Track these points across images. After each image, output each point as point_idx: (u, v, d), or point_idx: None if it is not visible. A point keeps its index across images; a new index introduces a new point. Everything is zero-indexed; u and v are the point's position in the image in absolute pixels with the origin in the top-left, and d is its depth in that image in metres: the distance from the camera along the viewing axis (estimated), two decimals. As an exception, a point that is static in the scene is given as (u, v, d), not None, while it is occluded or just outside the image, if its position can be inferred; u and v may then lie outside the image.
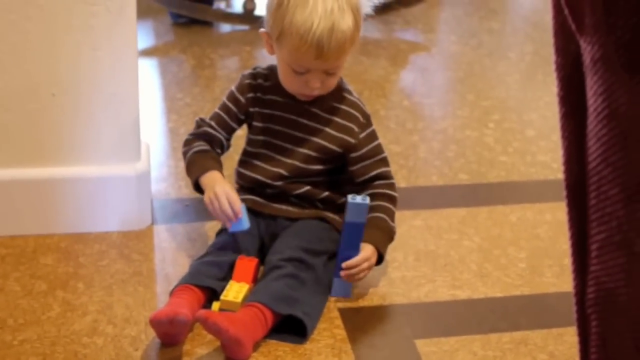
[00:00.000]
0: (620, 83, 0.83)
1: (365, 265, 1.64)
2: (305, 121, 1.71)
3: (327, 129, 1.71)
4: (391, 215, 1.71)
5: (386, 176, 1.73)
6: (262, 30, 1.68)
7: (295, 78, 1.65)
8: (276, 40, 1.64)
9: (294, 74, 1.64)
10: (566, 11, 0.89)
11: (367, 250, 1.64)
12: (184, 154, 1.75)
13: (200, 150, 1.72)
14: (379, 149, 1.73)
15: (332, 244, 1.70)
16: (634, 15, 0.81)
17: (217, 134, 1.74)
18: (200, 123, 1.76)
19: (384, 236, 1.69)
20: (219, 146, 1.75)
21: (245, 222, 1.65)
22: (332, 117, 1.71)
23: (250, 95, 1.73)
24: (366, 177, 1.71)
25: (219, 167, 1.72)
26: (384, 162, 1.74)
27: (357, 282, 1.68)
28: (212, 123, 1.75)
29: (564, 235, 0.96)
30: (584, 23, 0.86)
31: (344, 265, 1.63)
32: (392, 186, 1.73)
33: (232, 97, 1.75)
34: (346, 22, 1.59)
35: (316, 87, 1.64)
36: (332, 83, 1.67)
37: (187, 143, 1.75)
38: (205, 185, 1.68)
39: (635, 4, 0.81)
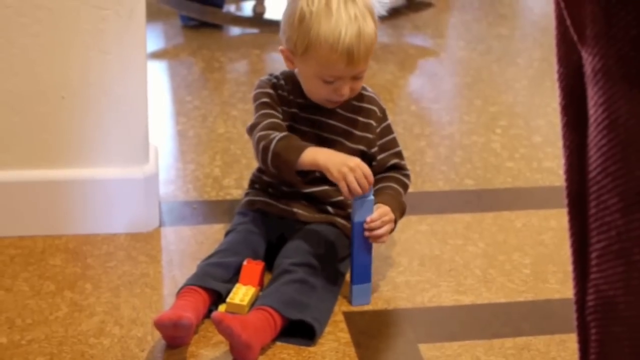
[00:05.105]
0: (620, 94, 0.84)
1: (386, 219, 1.60)
2: (331, 122, 1.72)
3: (353, 130, 1.73)
4: (398, 193, 1.70)
5: (401, 167, 1.76)
6: (281, 47, 1.69)
7: (324, 87, 1.65)
8: (302, 55, 1.63)
9: (323, 84, 1.65)
10: (568, 22, 0.89)
11: (381, 208, 1.61)
12: (264, 149, 1.62)
13: (282, 137, 1.63)
14: (394, 143, 1.76)
15: (342, 249, 1.71)
16: (634, 27, 0.82)
17: (279, 120, 1.67)
18: (256, 122, 1.68)
19: (393, 200, 1.66)
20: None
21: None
22: (356, 116, 1.73)
23: (273, 91, 1.72)
24: (381, 170, 1.73)
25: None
26: (399, 155, 1.76)
27: (380, 242, 1.65)
28: (266, 112, 1.68)
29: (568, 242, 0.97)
30: (585, 34, 0.87)
31: (366, 226, 1.59)
32: (405, 174, 1.75)
33: (262, 94, 1.71)
34: (369, 25, 1.62)
35: (346, 93, 1.66)
36: (359, 87, 1.70)
37: (261, 139, 1.63)
38: (316, 160, 1.59)
39: (636, 16, 0.82)
